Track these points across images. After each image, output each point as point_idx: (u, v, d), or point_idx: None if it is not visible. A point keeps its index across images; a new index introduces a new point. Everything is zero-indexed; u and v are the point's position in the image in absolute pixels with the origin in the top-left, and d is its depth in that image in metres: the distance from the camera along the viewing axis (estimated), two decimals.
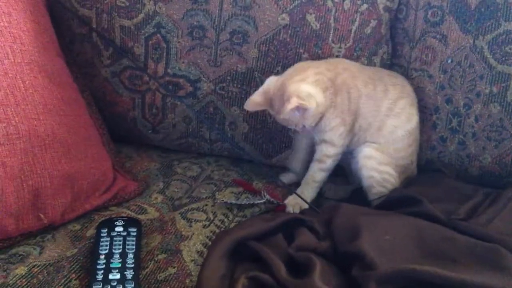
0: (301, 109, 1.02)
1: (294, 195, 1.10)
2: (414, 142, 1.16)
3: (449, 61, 1.15)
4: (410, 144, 1.14)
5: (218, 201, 1.08)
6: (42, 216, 0.94)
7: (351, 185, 1.19)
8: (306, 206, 1.08)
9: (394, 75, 1.17)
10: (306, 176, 1.12)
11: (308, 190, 1.11)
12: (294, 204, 1.08)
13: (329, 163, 1.10)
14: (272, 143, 1.22)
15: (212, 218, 1.02)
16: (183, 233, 0.97)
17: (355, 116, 1.10)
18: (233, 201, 1.08)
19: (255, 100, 1.08)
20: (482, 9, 1.11)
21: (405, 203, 1.02)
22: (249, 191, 1.13)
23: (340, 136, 1.09)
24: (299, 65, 1.10)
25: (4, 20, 0.97)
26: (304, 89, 1.03)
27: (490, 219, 0.96)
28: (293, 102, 1.00)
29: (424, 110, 1.19)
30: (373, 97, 1.10)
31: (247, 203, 1.08)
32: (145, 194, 1.10)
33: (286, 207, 1.08)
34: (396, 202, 1.04)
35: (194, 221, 1.00)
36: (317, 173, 1.11)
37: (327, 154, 1.10)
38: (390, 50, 1.23)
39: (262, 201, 1.09)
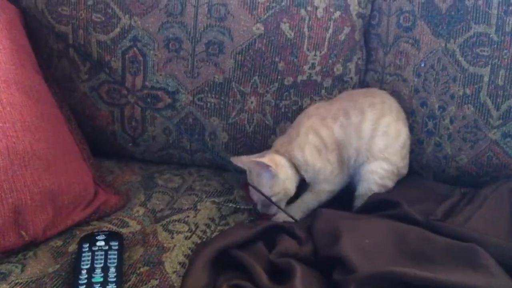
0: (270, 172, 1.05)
1: (282, 213, 1.10)
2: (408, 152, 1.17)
3: (422, 64, 1.17)
4: (405, 156, 1.15)
5: (208, 201, 1.11)
6: (23, 233, 0.94)
7: None
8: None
9: (372, 94, 1.17)
10: (298, 201, 1.12)
11: (298, 212, 1.11)
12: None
13: (324, 197, 1.12)
14: (252, 152, 1.22)
15: (194, 229, 1.03)
16: (165, 245, 0.97)
17: (339, 150, 1.11)
18: (222, 202, 1.11)
19: (241, 157, 1.11)
20: (453, 13, 1.13)
21: (384, 206, 1.04)
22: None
23: (331, 173, 1.10)
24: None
25: None
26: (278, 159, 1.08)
27: (467, 219, 0.98)
28: (266, 160, 1.05)
29: None
30: (349, 126, 1.11)
31: (234, 205, 1.11)
32: (127, 207, 1.10)
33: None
34: (375, 205, 1.06)
35: (176, 232, 1.01)
36: (312, 202, 1.12)
37: (322, 190, 1.11)
38: (365, 56, 1.25)
39: (248, 207, 1.12)
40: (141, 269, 0.90)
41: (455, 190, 1.12)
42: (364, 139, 1.10)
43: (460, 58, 1.13)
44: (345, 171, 1.12)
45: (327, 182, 1.11)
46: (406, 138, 1.15)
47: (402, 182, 1.16)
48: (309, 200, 1.12)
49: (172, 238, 0.99)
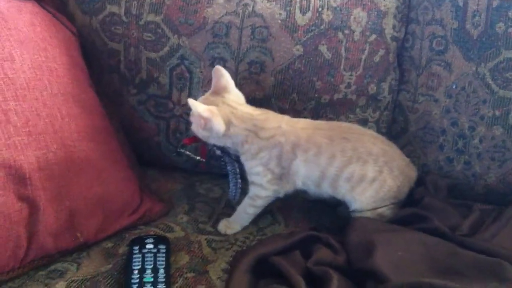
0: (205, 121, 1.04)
1: (226, 219, 1.13)
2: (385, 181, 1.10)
3: (454, 86, 1.21)
4: (379, 190, 1.10)
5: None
6: (79, 235, 1.00)
7: None
8: (236, 229, 1.11)
9: (349, 136, 1.10)
10: (239, 207, 1.13)
11: (241, 219, 1.13)
12: (224, 226, 1.12)
13: (259, 203, 1.12)
14: None
15: (234, 242, 1.08)
16: (209, 258, 1.02)
17: (288, 171, 1.09)
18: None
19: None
20: (484, 39, 1.17)
21: (415, 219, 1.07)
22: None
23: (269, 183, 1.09)
24: None
25: (41, 55, 1.04)
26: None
27: (494, 235, 1.01)
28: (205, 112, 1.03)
29: (431, 133, 1.25)
30: (314, 162, 1.08)
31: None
32: (171, 214, 1.15)
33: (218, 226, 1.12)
34: (406, 218, 1.09)
35: (219, 248, 1.05)
36: (248, 208, 1.13)
37: (258, 195, 1.11)
38: (398, 77, 1.28)
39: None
40: (188, 274, 0.96)
41: (473, 206, 1.14)
42: (327, 179, 1.09)
43: (490, 82, 1.17)
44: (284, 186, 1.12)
45: (261, 188, 1.10)
46: (373, 175, 1.09)
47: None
48: (246, 206, 1.13)
49: (215, 253, 1.03)
